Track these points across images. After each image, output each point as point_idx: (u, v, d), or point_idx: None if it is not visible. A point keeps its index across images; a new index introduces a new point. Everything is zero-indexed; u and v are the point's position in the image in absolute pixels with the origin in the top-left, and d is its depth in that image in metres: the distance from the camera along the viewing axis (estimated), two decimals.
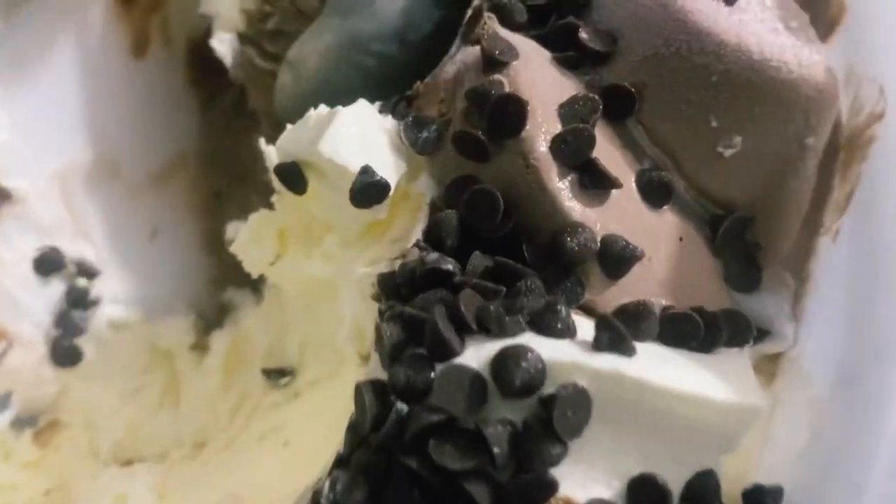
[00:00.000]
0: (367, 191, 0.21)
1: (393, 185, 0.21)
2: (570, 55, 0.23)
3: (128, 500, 0.26)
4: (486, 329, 0.18)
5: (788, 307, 0.22)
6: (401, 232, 0.22)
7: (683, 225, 0.22)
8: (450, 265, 0.19)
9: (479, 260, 0.19)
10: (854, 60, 0.24)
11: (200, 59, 0.32)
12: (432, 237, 0.20)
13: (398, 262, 0.20)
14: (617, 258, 0.19)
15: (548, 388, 0.16)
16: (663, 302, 0.20)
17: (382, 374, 0.18)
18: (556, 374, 0.17)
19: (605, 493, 0.17)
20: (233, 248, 0.27)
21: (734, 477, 0.18)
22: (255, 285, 0.32)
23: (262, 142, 0.25)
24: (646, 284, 0.20)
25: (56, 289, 0.28)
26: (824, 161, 0.23)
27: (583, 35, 0.23)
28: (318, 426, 0.27)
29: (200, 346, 0.30)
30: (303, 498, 0.21)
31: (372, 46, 0.26)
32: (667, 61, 0.22)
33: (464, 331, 0.18)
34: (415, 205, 0.22)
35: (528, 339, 0.17)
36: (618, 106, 0.22)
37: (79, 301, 0.28)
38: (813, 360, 0.20)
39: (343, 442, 0.18)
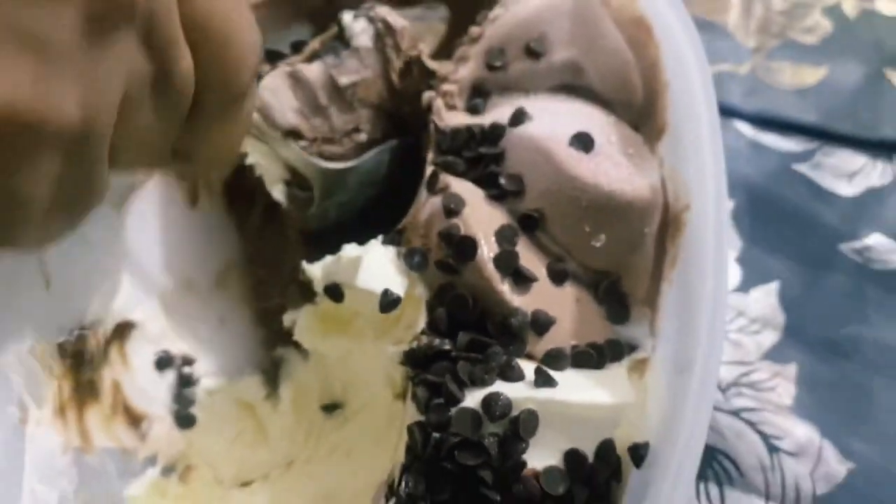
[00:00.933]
0: (388, 304, 0.34)
1: (402, 296, 0.34)
2: (494, 193, 0.37)
3: None
4: (474, 382, 0.31)
5: (648, 329, 0.34)
6: (410, 321, 0.35)
7: (578, 291, 0.35)
8: (447, 345, 0.32)
9: (462, 337, 0.33)
10: (674, 162, 0.38)
11: (232, 189, 0.44)
12: (432, 327, 0.34)
13: (414, 343, 0.34)
14: (542, 324, 0.33)
15: (514, 412, 0.30)
16: (572, 342, 0.34)
17: (418, 416, 0.32)
18: (518, 403, 0.30)
19: (553, 461, 0.31)
20: (296, 336, 0.40)
21: (621, 440, 0.32)
22: (296, 344, 0.45)
23: (306, 266, 0.38)
24: (560, 334, 0.33)
25: (169, 377, 0.40)
26: (659, 235, 0.36)
27: (501, 180, 0.36)
28: (367, 439, 0.40)
29: (272, 396, 0.43)
30: (380, 490, 0.34)
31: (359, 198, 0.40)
32: (554, 195, 0.34)
33: (463, 386, 0.31)
34: (417, 302, 0.35)
35: (499, 385, 0.31)
36: (529, 225, 0.35)
37: (186, 382, 0.41)
38: (663, 361, 0.34)
39: (405, 456, 0.31)
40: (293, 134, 0.40)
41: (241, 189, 0.44)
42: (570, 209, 0.34)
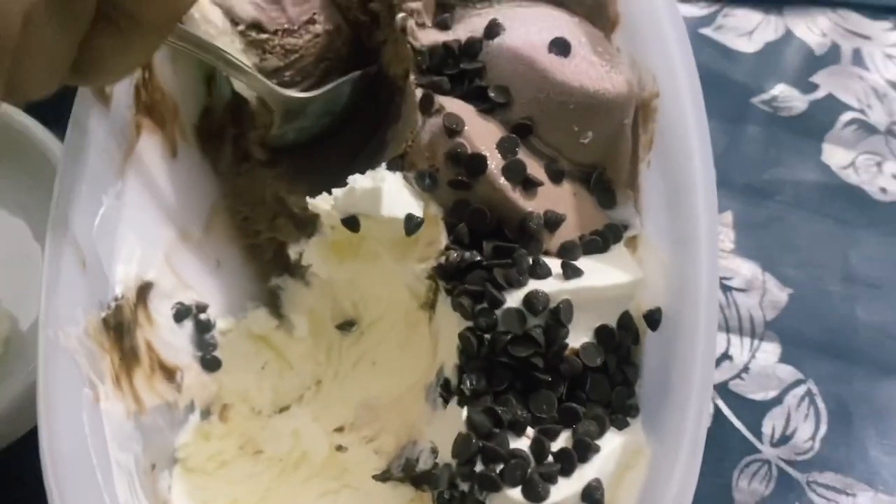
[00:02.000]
0: (413, 227, 0.36)
1: (422, 216, 0.37)
2: (484, 106, 0.39)
3: (300, 430, 0.42)
4: (511, 284, 0.35)
5: (633, 209, 0.39)
6: (430, 238, 0.37)
7: (574, 186, 0.39)
8: (477, 256, 0.35)
9: (487, 246, 0.36)
10: (632, 52, 0.41)
11: (202, 132, 0.44)
12: (457, 241, 0.36)
13: (442, 259, 0.37)
14: (554, 222, 0.36)
15: (552, 304, 0.34)
16: (578, 234, 0.38)
17: (462, 322, 0.35)
18: (553, 296, 0.34)
19: (586, 339, 0.35)
20: (305, 261, 0.42)
21: (636, 310, 0.37)
22: (291, 270, 0.47)
23: (313, 203, 0.39)
24: (567, 228, 0.37)
25: (188, 327, 0.42)
26: (633, 123, 0.40)
27: (491, 93, 0.38)
28: (390, 347, 0.43)
29: (285, 324, 0.45)
30: (428, 391, 0.38)
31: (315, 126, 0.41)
32: (543, 102, 0.37)
33: (502, 289, 0.35)
34: (434, 221, 0.37)
35: (532, 283, 0.35)
36: (523, 132, 0.38)
37: (204, 328, 0.42)
38: (653, 234, 0.38)
39: (458, 358, 0.35)
40: (256, 27, 0.40)
41: (210, 129, 0.44)
42: (560, 113, 0.37)
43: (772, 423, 0.48)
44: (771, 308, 0.50)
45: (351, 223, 0.37)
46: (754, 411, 0.47)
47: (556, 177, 0.38)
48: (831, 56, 0.57)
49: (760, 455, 0.47)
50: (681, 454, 0.31)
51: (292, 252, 0.42)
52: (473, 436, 0.32)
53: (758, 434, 0.47)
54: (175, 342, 0.41)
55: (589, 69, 0.37)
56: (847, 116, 0.55)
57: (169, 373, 0.40)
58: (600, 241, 0.37)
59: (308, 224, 0.42)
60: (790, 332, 0.50)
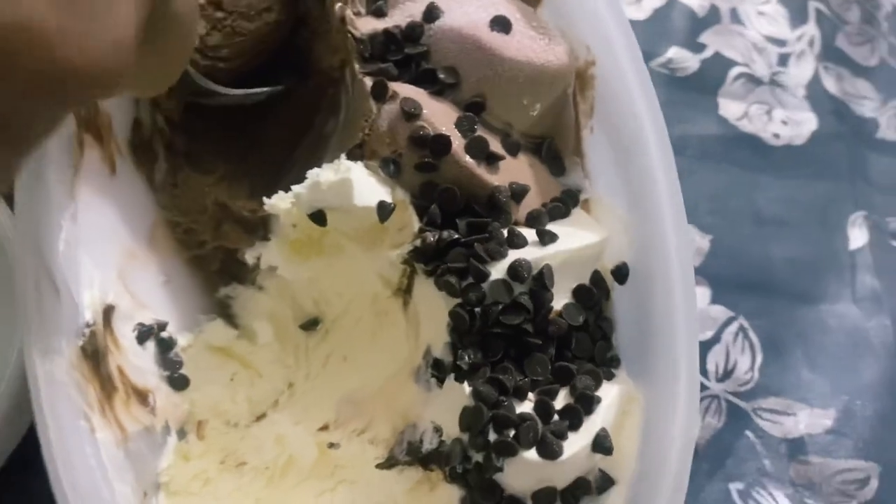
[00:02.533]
0: (386, 213, 0.36)
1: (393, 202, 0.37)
2: (434, 89, 0.39)
3: (283, 436, 0.41)
4: (493, 257, 0.36)
5: (582, 173, 0.41)
6: (401, 224, 0.37)
7: (529, 157, 0.40)
8: (455, 234, 0.36)
9: (461, 223, 0.37)
10: (560, 24, 0.43)
11: (134, 146, 0.43)
12: (430, 223, 0.37)
13: (418, 242, 0.37)
14: (519, 193, 0.37)
15: (534, 271, 0.35)
16: (540, 202, 0.39)
17: (448, 301, 0.36)
18: (535, 263, 0.35)
19: (566, 300, 0.37)
20: (264, 264, 0.41)
21: (604, 267, 0.38)
22: (240, 278, 0.45)
23: (270, 203, 0.38)
24: (531, 199, 0.39)
25: (150, 347, 0.40)
26: (573, 94, 0.42)
27: (440, 75, 0.39)
28: (360, 340, 0.43)
29: (245, 334, 0.44)
30: (417, 373, 0.38)
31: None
32: (491, 79, 0.38)
33: (485, 262, 0.35)
34: (403, 206, 0.37)
35: (512, 253, 0.36)
36: (476, 110, 0.39)
37: (166, 347, 0.40)
38: (606, 195, 0.40)
39: (449, 336, 0.35)
40: (215, 4, 0.39)
41: (142, 141, 0.43)
42: (510, 88, 0.38)
43: (714, 361, 0.51)
44: (697, 255, 0.53)
45: (318, 218, 0.37)
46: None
47: (513, 149, 0.39)
48: (712, 17, 0.62)
49: (709, 391, 0.50)
50: (679, 393, 0.34)
51: (249, 257, 0.41)
52: (483, 406, 0.33)
53: (704, 372, 0.51)
54: (142, 364, 0.39)
55: (532, 43, 0.39)
56: (735, 71, 0.60)
57: (142, 396, 0.38)
58: (562, 206, 0.39)
59: (258, 227, 0.42)
60: (716, 275, 0.53)
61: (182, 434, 0.40)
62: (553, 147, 0.40)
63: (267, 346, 0.43)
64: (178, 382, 0.41)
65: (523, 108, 0.39)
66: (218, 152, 0.45)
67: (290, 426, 0.41)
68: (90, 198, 0.37)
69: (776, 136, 0.58)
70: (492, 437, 0.33)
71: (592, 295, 0.37)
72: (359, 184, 0.36)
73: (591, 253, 0.37)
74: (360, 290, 0.42)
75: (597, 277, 0.38)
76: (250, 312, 0.44)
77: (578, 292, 0.37)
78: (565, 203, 0.39)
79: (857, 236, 0.56)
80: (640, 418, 0.35)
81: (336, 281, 0.42)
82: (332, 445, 0.40)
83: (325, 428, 0.41)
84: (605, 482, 0.34)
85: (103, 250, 0.38)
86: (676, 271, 0.36)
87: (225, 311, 0.44)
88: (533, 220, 0.37)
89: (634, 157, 0.39)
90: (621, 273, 0.38)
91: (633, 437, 0.34)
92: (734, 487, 0.49)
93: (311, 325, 0.43)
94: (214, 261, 0.44)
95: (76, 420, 0.31)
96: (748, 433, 0.50)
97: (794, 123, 0.59)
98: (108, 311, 0.37)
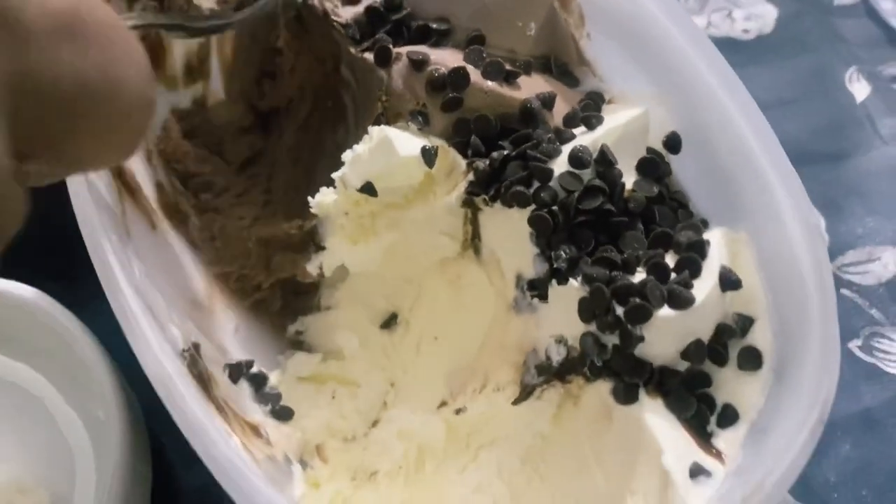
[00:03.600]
0: (430, 156, 0.36)
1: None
2: (432, 41, 0.40)
3: (405, 429, 0.39)
4: (550, 156, 0.35)
5: (596, 78, 0.42)
6: (447, 169, 0.37)
7: (541, 76, 0.41)
8: (505, 151, 0.36)
9: (506, 142, 0.36)
10: None
11: (164, 208, 0.42)
12: (475, 154, 0.37)
13: (470, 175, 0.37)
14: (548, 101, 0.38)
15: (594, 154, 0.35)
16: (567, 110, 0.40)
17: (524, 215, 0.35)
18: (592, 146, 0.35)
19: (633, 177, 0.36)
20: (327, 270, 0.40)
21: (654, 141, 0.38)
22: (303, 311, 0.44)
23: (316, 202, 0.38)
24: (559, 107, 0.39)
25: (244, 385, 0.39)
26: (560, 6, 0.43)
27: (433, 25, 0.40)
28: (439, 316, 0.41)
29: (330, 354, 0.42)
30: (518, 302, 0.37)
31: None
32: (481, 12, 0.39)
33: (545, 162, 0.35)
34: (444, 150, 0.37)
35: (565, 148, 0.36)
36: (478, 43, 0.40)
37: (260, 383, 0.39)
38: (625, 88, 0.41)
39: (536, 246, 0.35)
40: None
41: (168, 206, 0.43)
42: (501, 14, 0.39)
43: None
44: None
45: (369, 189, 0.37)
46: None
47: (526, 68, 0.39)
48: None
49: None
50: (785, 221, 0.33)
51: (311, 268, 0.40)
52: (601, 285, 0.32)
53: None
54: (241, 402, 0.37)
55: None
56: None
57: (255, 430, 0.36)
58: (592, 103, 0.39)
59: (307, 243, 0.41)
60: None
61: (305, 463, 0.38)
62: (560, 62, 0.41)
63: (356, 357, 0.42)
64: (283, 414, 0.39)
65: (519, 30, 0.40)
66: (241, 201, 0.45)
67: (408, 418, 0.39)
68: (142, 244, 0.36)
69: (746, 31, 0.60)
70: (619, 311, 0.32)
71: (656, 164, 0.36)
72: (397, 139, 0.36)
73: (640, 125, 0.37)
74: (426, 264, 0.41)
75: (652, 151, 0.37)
76: (327, 334, 0.43)
77: (641, 166, 0.36)
78: (595, 101, 0.39)
79: (859, 89, 0.57)
80: (752, 253, 0.34)
81: (401, 266, 0.41)
82: (458, 412, 0.38)
83: (443, 405, 0.39)
84: (746, 322, 0.33)
85: (172, 294, 0.37)
86: (735, 112, 0.36)
87: (300, 347, 0.43)
88: (570, 120, 0.37)
89: (639, 36, 0.39)
90: (673, 142, 0.38)
91: (753, 271, 0.33)
92: (854, 346, 0.47)
93: (390, 321, 0.42)
94: (275, 301, 0.43)
95: (227, 438, 0.29)
96: (844, 291, 0.49)
97: (756, 17, 0.61)
98: (197, 347, 0.35)
